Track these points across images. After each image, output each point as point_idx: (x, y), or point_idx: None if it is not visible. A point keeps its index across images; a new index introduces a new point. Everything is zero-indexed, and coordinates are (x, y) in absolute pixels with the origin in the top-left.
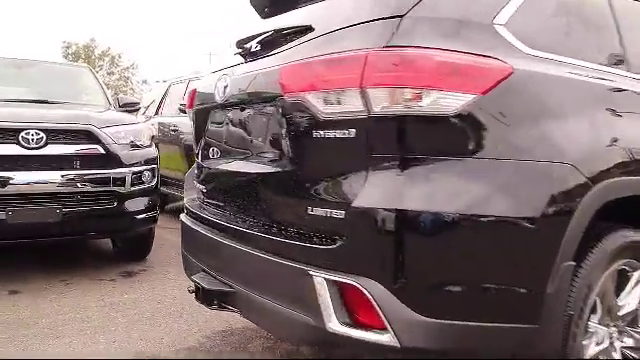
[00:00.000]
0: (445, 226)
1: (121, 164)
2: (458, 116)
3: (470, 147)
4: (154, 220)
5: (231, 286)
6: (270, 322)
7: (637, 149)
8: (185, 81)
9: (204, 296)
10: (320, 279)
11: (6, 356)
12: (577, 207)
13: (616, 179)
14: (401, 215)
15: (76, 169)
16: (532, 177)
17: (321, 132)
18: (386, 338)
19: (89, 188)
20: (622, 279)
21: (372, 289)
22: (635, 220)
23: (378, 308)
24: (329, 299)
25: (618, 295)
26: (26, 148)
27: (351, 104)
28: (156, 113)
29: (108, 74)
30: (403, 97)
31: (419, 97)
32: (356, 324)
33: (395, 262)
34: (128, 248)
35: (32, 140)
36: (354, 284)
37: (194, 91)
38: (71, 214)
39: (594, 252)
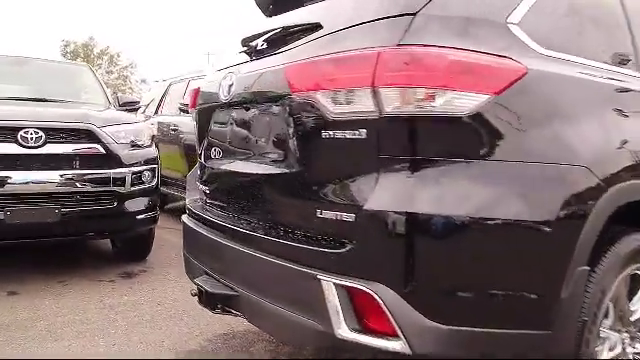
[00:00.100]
0: (460, 230)
1: (121, 164)
2: (472, 117)
3: (483, 149)
4: (154, 220)
5: (235, 289)
6: (276, 327)
7: None
8: (185, 80)
9: (207, 300)
10: (329, 284)
11: (6, 356)
12: (592, 210)
13: (632, 182)
14: (415, 219)
15: (75, 169)
16: (547, 180)
17: (330, 132)
18: (397, 345)
19: (89, 188)
20: (635, 284)
21: (383, 294)
22: None
23: (389, 314)
24: (338, 304)
25: (630, 300)
26: (25, 147)
27: (362, 104)
28: (156, 112)
29: (107, 73)
30: (416, 97)
31: (432, 97)
32: (366, 330)
33: (407, 267)
34: (128, 249)
35: (31, 139)
36: (364, 289)
37: (197, 90)
38: (70, 214)
39: (607, 256)
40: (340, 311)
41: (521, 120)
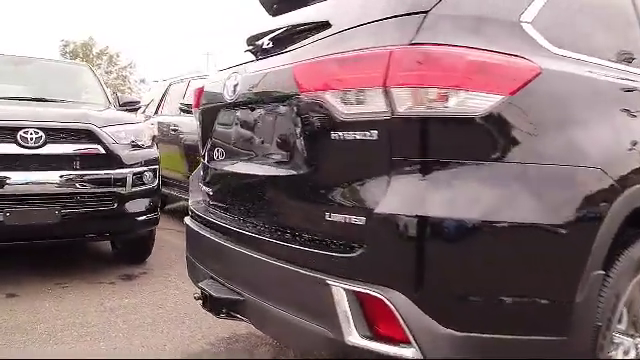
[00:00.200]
0: (475, 234)
1: (122, 164)
2: (485, 118)
3: (496, 151)
4: (155, 222)
5: (241, 294)
6: (283, 333)
7: None
8: (185, 80)
9: (212, 304)
10: (339, 289)
11: (6, 356)
12: (607, 213)
13: None
14: (429, 223)
15: (76, 169)
16: (562, 182)
17: (340, 133)
18: (409, 352)
19: (89, 189)
20: None
21: (395, 300)
22: None
23: (402, 320)
24: (348, 310)
25: None
26: (24, 147)
27: (373, 104)
28: (156, 112)
29: (106, 73)
30: (429, 97)
31: (445, 97)
32: (377, 337)
33: (420, 272)
34: (128, 250)
35: (31, 139)
36: (375, 294)
37: (201, 90)
38: (70, 215)
39: (621, 260)
40: (350, 317)
41: (535, 121)
